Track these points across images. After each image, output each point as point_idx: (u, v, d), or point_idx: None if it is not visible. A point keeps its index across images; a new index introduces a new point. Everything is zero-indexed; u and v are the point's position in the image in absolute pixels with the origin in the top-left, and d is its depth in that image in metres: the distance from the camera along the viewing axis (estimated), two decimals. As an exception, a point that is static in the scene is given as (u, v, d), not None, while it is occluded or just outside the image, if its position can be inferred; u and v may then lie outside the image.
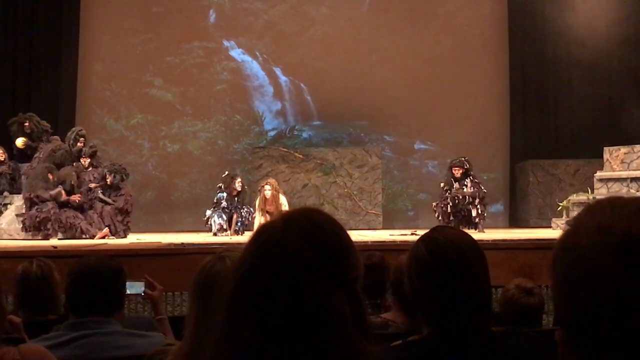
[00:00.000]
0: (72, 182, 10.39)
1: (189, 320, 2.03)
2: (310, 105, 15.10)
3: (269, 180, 11.05)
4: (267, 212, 10.47)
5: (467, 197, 10.75)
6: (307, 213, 1.30)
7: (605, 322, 0.89)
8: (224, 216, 10.86)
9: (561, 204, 11.45)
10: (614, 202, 0.96)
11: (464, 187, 10.84)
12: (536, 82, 14.70)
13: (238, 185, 11.00)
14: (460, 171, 10.91)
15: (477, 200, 10.77)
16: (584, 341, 0.92)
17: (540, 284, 3.85)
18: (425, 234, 2.07)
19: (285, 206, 10.63)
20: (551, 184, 13.73)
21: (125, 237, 10.33)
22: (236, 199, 10.97)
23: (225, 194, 10.96)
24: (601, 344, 0.89)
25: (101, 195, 10.55)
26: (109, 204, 10.46)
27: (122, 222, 10.51)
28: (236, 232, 10.82)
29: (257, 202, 10.85)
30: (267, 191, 10.63)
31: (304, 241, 1.22)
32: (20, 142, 11.22)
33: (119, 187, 10.72)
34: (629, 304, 0.87)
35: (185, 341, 2.00)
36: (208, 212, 11.13)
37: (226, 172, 11.45)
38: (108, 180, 10.62)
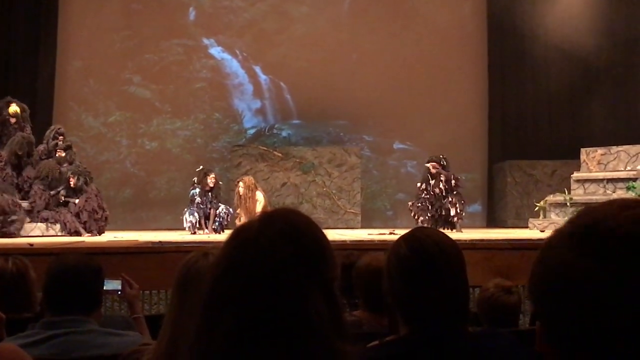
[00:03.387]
0: (54, 176, 10.30)
1: (167, 317, 2.01)
2: (289, 104, 15.08)
3: (243, 178, 11.04)
4: (246, 209, 10.46)
5: (441, 189, 10.77)
6: (284, 214, 1.30)
7: (570, 313, 0.90)
8: (195, 214, 10.72)
9: (538, 204, 11.53)
10: (609, 202, 0.97)
11: (440, 183, 10.88)
12: (515, 82, 14.79)
13: (210, 181, 10.86)
14: (437, 166, 10.97)
15: (454, 198, 10.79)
16: (558, 334, 0.93)
17: (518, 284, 3.87)
18: (406, 232, 2.07)
19: (261, 203, 10.63)
20: (529, 185, 13.82)
21: (99, 235, 10.24)
22: (210, 194, 10.88)
23: (198, 190, 10.85)
24: (573, 336, 0.90)
25: (63, 198, 10.36)
26: (72, 203, 10.30)
27: (97, 221, 10.40)
28: (214, 231, 10.75)
29: (235, 200, 10.85)
30: (240, 189, 10.64)
31: (281, 242, 1.22)
32: (13, 109, 10.70)
33: (84, 190, 10.42)
34: (584, 290, 0.88)
35: (162, 340, 1.98)
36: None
37: (200, 167, 11.34)
38: (71, 183, 10.36)
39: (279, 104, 15.12)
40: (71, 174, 10.38)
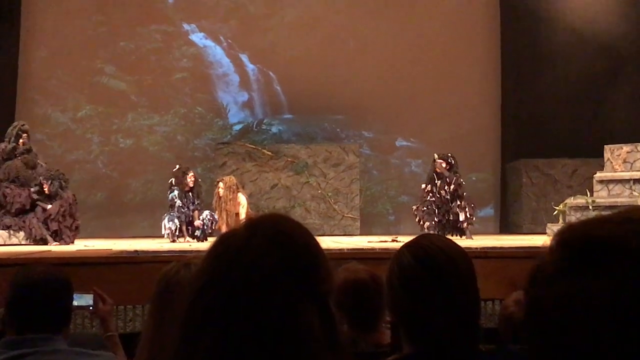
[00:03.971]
0: (25, 176, 10.30)
1: (144, 335, 2.01)
2: (280, 96, 15.08)
3: (223, 178, 11.04)
4: (226, 212, 10.46)
5: (447, 191, 10.77)
6: (273, 219, 1.30)
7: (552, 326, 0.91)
8: (176, 220, 10.68)
9: (557, 207, 11.53)
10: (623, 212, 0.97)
11: (446, 185, 10.89)
12: (531, 71, 14.78)
13: (190, 180, 10.82)
14: (444, 165, 10.97)
15: (463, 201, 10.81)
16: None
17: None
18: (411, 240, 2.08)
19: (243, 207, 10.63)
20: (546, 186, 13.84)
21: (71, 243, 10.23)
22: (191, 195, 10.84)
23: (177, 192, 10.81)
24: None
25: (39, 203, 10.33)
26: (44, 209, 10.28)
27: (70, 228, 10.39)
28: (197, 238, 10.72)
29: (213, 202, 10.84)
30: (220, 189, 10.63)
31: (270, 251, 1.22)
32: None
33: (59, 195, 10.34)
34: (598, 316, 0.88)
35: (138, 358, 1.98)
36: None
37: (177, 166, 11.29)
38: (45, 189, 10.31)
39: (269, 97, 15.11)
40: (43, 179, 10.32)
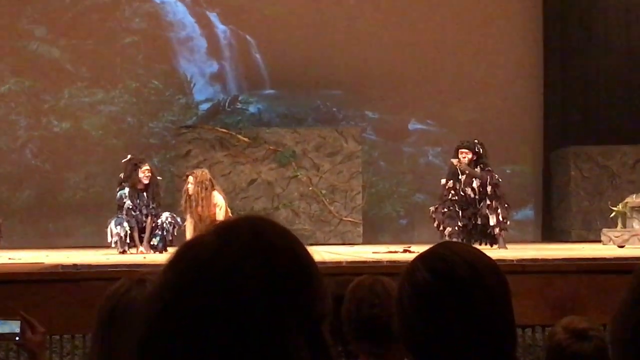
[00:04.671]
0: None
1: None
2: (260, 66, 15.07)
3: (194, 171, 10.99)
4: (198, 216, 10.44)
5: (475, 189, 10.77)
6: (251, 223, 1.30)
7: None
8: (125, 224, 10.66)
9: (615, 208, 11.56)
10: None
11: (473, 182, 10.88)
12: (581, 38, 14.80)
13: (143, 175, 10.79)
14: (469, 156, 10.95)
15: (494, 200, 10.81)
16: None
17: (597, 323, 3.88)
18: (427, 250, 2.08)
19: (221, 208, 10.62)
20: (601, 181, 13.85)
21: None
22: (145, 195, 10.83)
23: (127, 190, 10.80)
24: None
25: None
26: None
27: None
28: (153, 248, 10.72)
29: (182, 203, 10.80)
30: (190, 186, 10.61)
31: (246, 264, 1.22)
32: None
33: None
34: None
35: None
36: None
37: (128, 157, 11.26)
38: None
39: (245, 67, 15.10)
40: None
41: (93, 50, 14.85)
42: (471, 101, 14.86)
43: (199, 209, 10.54)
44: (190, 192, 10.61)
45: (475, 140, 11.12)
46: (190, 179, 10.70)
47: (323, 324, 1.26)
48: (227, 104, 15.10)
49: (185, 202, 10.70)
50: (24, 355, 4.88)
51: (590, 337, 3.64)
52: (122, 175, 11.01)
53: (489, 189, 10.80)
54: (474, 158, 10.96)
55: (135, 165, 10.88)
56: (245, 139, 13.58)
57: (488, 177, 10.84)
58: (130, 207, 10.73)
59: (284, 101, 15.01)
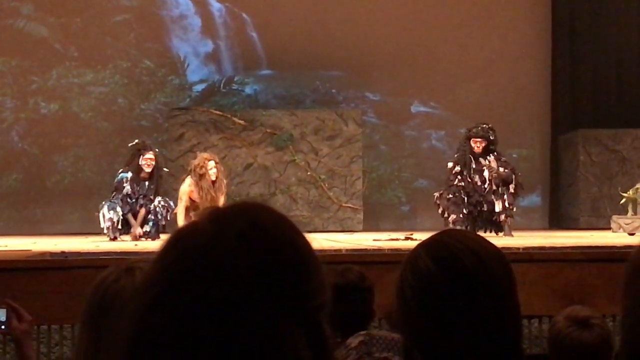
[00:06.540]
0: None
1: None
2: (256, 45, 15.06)
3: (210, 155, 10.73)
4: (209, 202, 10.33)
5: (492, 181, 10.74)
6: (247, 210, 1.30)
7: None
8: (119, 209, 10.58)
9: (625, 194, 11.57)
10: None
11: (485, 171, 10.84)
12: (591, 14, 14.78)
13: (145, 163, 10.69)
14: (483, 144, 10.88)
15: (501, 188, 10.77)
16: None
17: (601, 313, 3.89)
18: (430, 238, 2.08)
19: (223, 195, 10.61)
20: (611, 165, 13.86)
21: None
22: (146, 184, 10.76)
23: (130, 175, 10.72)
24: None
25: None
26: None
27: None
28: (146, 235, 10.70)
29: (183, 190, 10.59)
30: (212, 170, 10.39)
31: (242, 252, 1.22)
32: None
33: None
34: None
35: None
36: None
37: (136, 141, 11.18)
38: None
39: (241, 47, 15.08)
40: None
41: (82, 28, 14.83)
42: (476, 83, 14.86)
43: (215, 195, 10.45)
44: (214, 177, 10.44)
45: (487, 126, 11.02)
46: (211, 163, 10.47)
47: (322, 314, 1.26)
48: (222, 85, 15.09)
49: (201, 188, 10.40)
50: (10, 344, 4.88)
51: (592, 326, 3.64)
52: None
53: (511, 187, 10.77)
54: (486, 146, 10.88)
55: (138, 151, 10.76)
56: (241, 122, 13.57)
57: (513, 176, 10.79)
58: (129, 192, 10.65)
59: (282, 82, 15.00)
